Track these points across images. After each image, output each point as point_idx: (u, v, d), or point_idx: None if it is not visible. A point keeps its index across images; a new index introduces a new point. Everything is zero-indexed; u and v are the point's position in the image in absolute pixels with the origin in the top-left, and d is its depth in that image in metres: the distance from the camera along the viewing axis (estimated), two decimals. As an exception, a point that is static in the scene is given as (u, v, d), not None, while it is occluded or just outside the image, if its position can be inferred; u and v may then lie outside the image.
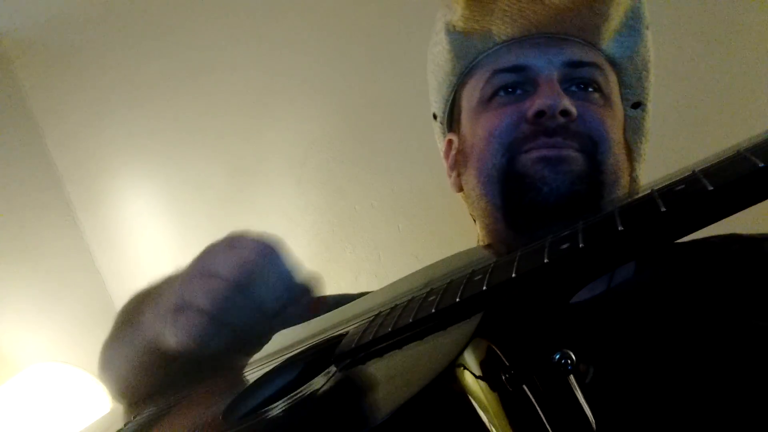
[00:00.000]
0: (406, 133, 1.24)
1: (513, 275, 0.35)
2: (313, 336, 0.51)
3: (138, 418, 0.54)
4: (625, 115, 0.66)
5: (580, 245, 0.34)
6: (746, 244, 0.58)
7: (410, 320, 0.38)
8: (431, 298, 0.39)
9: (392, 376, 0.34)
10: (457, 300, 0.36)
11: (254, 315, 0.45)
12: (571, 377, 0.32)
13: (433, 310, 0.37)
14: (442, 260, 0.53)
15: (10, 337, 1.38)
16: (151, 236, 1.52)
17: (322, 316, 0.58)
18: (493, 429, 0.29)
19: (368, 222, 1.29)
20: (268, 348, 0.55)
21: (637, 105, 0.68)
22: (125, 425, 0.53)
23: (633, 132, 0.68)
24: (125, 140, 1.50)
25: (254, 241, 0.46)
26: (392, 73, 1.24)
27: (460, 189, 0.70)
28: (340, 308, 0.57)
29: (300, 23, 1.30)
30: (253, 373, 0.50)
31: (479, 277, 0.38)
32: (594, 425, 0.32)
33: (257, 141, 1.38)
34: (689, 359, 0.46)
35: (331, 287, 0.69)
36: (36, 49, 1.53)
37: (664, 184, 0.35)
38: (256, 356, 0.54)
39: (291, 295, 0.46)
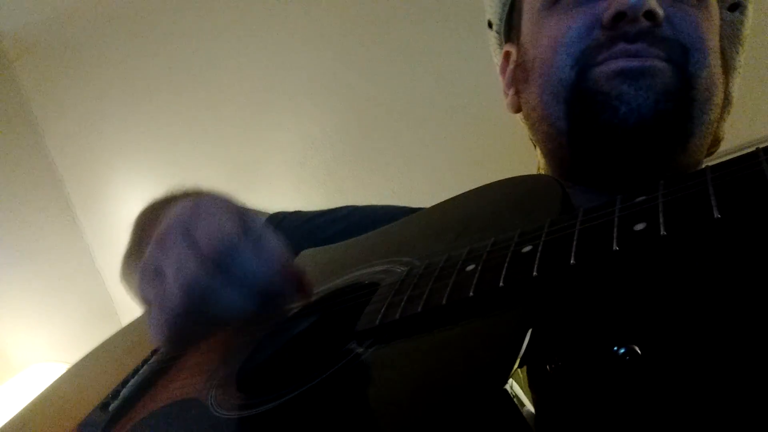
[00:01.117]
0: (406, 133, 1.24)
1: (572, 261, 0.28)
2: (344, 269, 0.46)
3: (157, 354, 0.52)
4: (722, 19, 0.55)
5: (662, 233, 0.26)
6: None
7: (444, 302, 0.32)
8: (470, 268, 0.33)
9: (424, 369, 0.29)
10: (501, 285, 0.30)
11: (214, 328, 0.41)
12: (634, 372, 0.27)
13: (471, 294, 0.30)
14: (486, 187, 0.45)
15: (10, 337, 1.38)
16: (151, 236, 1.52)
17: (358, 238, 0.51)
18: (534, 424, 0.25)
19: (368, 222, 1.29)
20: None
21: (735, 6, 0.56)
22: (150, 357, 0.51)
23: (729, 39, 0.57)
24: (125, 140, 1.50)
25: (210, 238, 0.39)
26: (392, 73, 1.24)
27: (518, 109, 0.60)
28: (374, 233, 0.51)
29: (300, 23, 1.30)
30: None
31: (528, 249, 0.31)
32: (649, 425, 0.27)
33: (257, 141, 1.38)
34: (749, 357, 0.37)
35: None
36: (36, 49, 1.53)
37: None
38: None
39: (259, 298, 0.39)
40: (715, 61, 0.51)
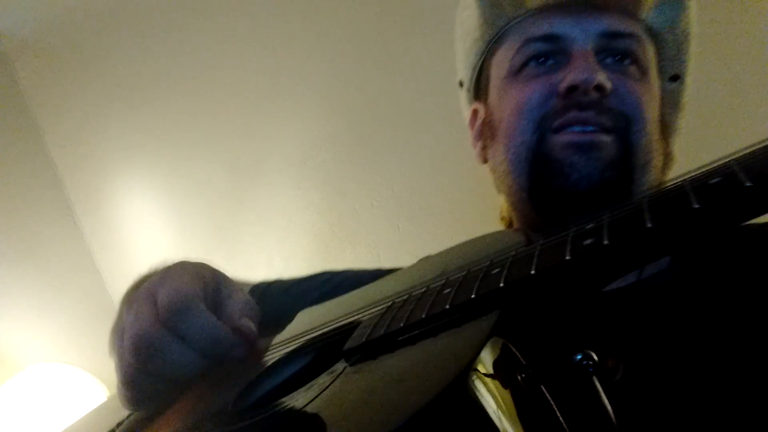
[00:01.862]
0: (406, 133, 1.24)
1: (532, 272, 0.33)
2: (329, 320, 0.50)
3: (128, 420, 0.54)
4: (663, 89, 0.63)
5: (605, 242, 0.32)
6: None
7: (423, 315, 0.36)
8: (446, 291, 0.38)
9: (404, 376, 0.32)
10: (473, 296, 0.34)
11: (170, 386, 0.44)
12: (594, 379, 0.31)
13: (447, 306, 0.35)
14: (461, 244, 0.51)
15: (10, 337, 1.38)
16: (151, 236, 1.52)
17: (340, 297, 0.57)
18: (506, 431, 0.28)
19: (368, 222, 1.29)
20: (291, 327, 0.54)
21: (676, 78, 0.64)
22: (128, 415, 0.53)
23: (670, 106, 0.64)
24: (125, 140, 1.50)
25: (166, 298, 0.43)
26: (392, 73, 1.24)
27: (485, 161, 0.67)
28: (356, 291, 0.56)
29: (300, 23, 1.30)
30: (268, 357, 0.49)
31: (497, 270, 0.36)
32: (616, 427, 0.30)
33: (257, 141, 1.38)
34: (724, 359, 0.43)
35: (331, 287, 0.69)
36: (36, 49, 1.53)
37: (696, 176, 0.33)
38: (279, 336, 0.54)
39: (209, 356, 0.43)
40: (652, 129, 0.58)
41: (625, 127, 0.55)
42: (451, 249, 0.52)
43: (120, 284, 1.54)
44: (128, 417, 0.52)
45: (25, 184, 1.51)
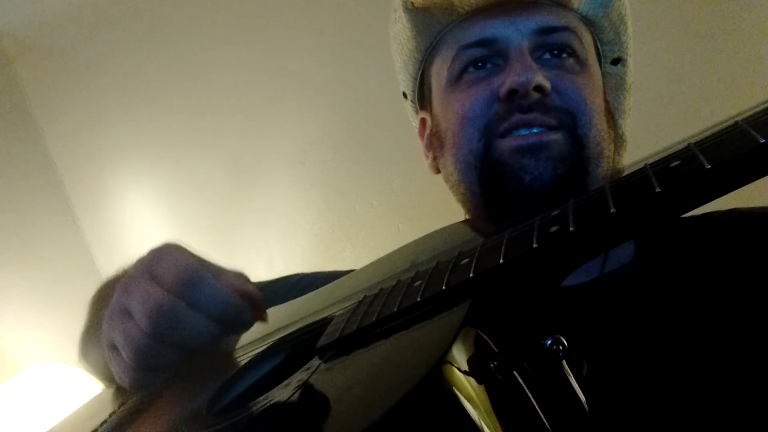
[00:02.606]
0: (406, 133, 1.24)
1: (500, 261, 0.34)
2: (301, 317, 0.50)
3: (122, 408, 0.53)
4: (605, 73, 0.63)
5: (571, 228, 0.32)
6: (748, 219, 0.56)
7: (395, 309, 0.36)
8: (417, 284, 0.38)
9: (378, 371, 0.32)
10: (443, 288, 0.35)
11: (181, 355, 0.44)
12: (564, 363, 0.31)
13: (418, 299, 0.35)
14: (430, 234, 0.51)
15: (10, 337, 1.38)
16: (151, 236, 1.52)
17: (310, 294, 0.57)
18: (481, 420, 0.28)
19: (368, 222, 1.29)
20: (259, 328, 0.55)
21: (618, 60, 0.64)
22: (109, 416, 0.53)
23: (615, 89, 0.65)
24: (125, 140, 1.50)
25: (172, 272, 0.43)
26: (392, 73, 1.23)
27: (438, 171, 0.67)
28: (327, 286, 0.56)
29: (300, 23, 1.30)
30: (240, 357, 0.49)
31: (466, 261, 0.36)
32: (588, 411, 0.31)
33: (257, 141, 1.38)
34: (689, 343, 0.44)
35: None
36: (36, 49, 1.53)
37: (657, 159, 0.33)
38: (245, 337, 0.53)
39: (221, 323, 0.44)
40: (600, 119, 0.58)
41: (571, 122, 0.55)
42: (420, 240, 0.52)
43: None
44: (109, 416, 0.52)
45: (25, 184, 1.51)
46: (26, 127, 1.54)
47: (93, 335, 0.60)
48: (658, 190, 0.30)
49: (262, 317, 0.48)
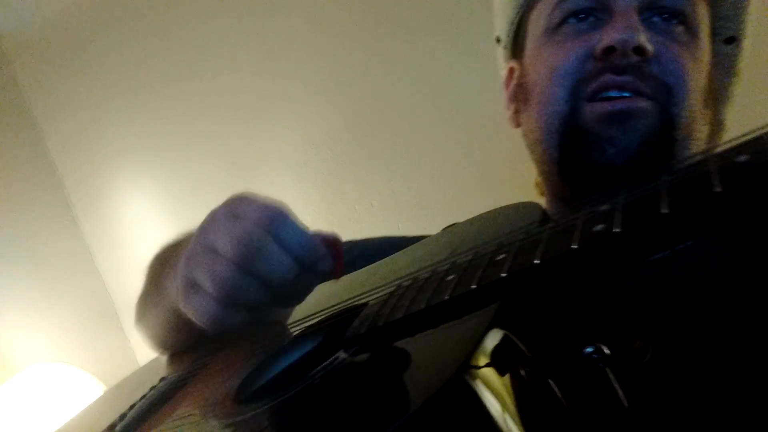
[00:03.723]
0: (406, 133, 1.24)
1: (536, 261, 0.31)
2: (343, 298, 0.49)
3: (165, 380, 0.54)
4: (716, 52, 0.57)
5: (616, 230, 0.29)
6: None
7: (423, 306, 0.34)
8: (449, 278, 0.36)
9: (402, 372, 0.31)
10: (474, 287, 0.32)
11: (263, 291, 0.43)
12: (608, 372, 0.29)
13: (447, 297, 0.33)
14: (484, 215, 0.49)
15: (10, 337, 1.38)
16: (151, 236, 1.52)
17: (356, 272, 0.56)
18: (507, 425, 0.27)
19: (368, 222, 1.29)
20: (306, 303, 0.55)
21: (732, 40, 0.58)
22: (158, 383, 0.53)
23: (723, 71, 0.59)
24: (125, 140, 1.50)
25: (257, 210, 0.44)
26: (392, 73, 1.24)
27: (518, 125, 0.63)
28: (375, 265, 0.55)
29: (300, 23, 1.30)
30: (279, 336, 0.49)
31: (502, 257, 0.34)
32: (632, 422, 0.29)
33: (257, 141, 1.38)
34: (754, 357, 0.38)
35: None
36: (36, 49, 1.53)
37: (724, 150, 0.29)
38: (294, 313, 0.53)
39: (302, 264, 0.43)
40: (696, 99, 0.53)
41: (665, 96, 0.51)
42: (473, 219, 0.50)
43: (120, 284, 1.54)
44: (159, 381, 0.53)
45: (25, 184, 1.51)
46: (26, 127, 1.54)
47: (152, 298, 0.59)
48: (718, 189, 0.26)
49: (340, 271, 0.47)
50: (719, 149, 0.30)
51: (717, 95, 0.58)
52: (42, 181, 1.54)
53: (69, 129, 1.55)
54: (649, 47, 0.50)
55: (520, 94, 0.61)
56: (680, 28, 0.53)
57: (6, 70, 1.53)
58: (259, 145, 1.38)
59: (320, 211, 1.34)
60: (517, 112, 0.63)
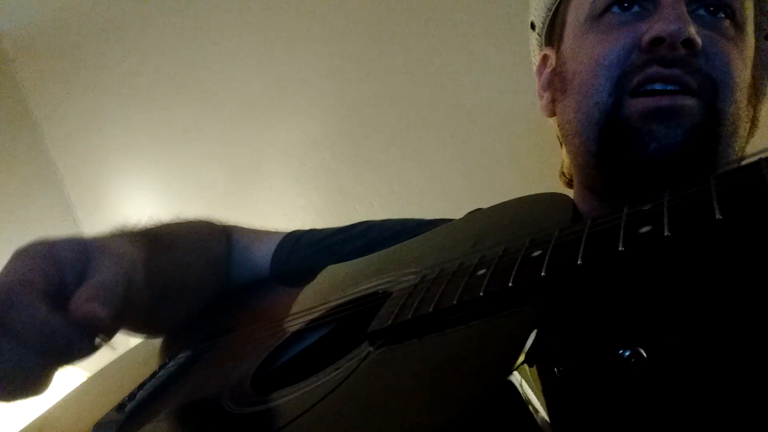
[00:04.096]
0: (406, 133, 1.24)
1: (579, 262, 0.29)
2: (358, 283, 0.48)
3: (175, 359, 0.54)
4: (757, 48, 0.55)
5: (666, 233, 0.27)
6: None
7: (454, 302, 0.33)
8: (480, 273, 0.34)
9: (438, 373, 0.29)
10: (510, 285, 0.31)
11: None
12: (641, 376, 0.28)
13: (481, 294, 0.32)
14: (504, 204, 0.48)
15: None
16: (151, 236, 1.52)
17: (373, 256, 0.54)
18: (540, 420, 0.26)
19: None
20: (314, 286, 0.52)
21: None
22: (164, 365, 0.53)
23: (762, 68, 0.57)
24: (125, 140, 1.50)
25: None
26: (392, 73, 1.24)
27: (552, 114, 0.61)
28: (390, 250, 0.53)
29: (300, 23, 1.30)
30: (295, 321, 0.48)
31: (538, 253, 0.32)
32: (660, 425, 0.28)
33: (257, 141, 1.38)
34: None
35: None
36: (36, 49, 1.53)
37: None
38: (302, 296, 0.51)
39: (42, 351, 0.39)
40: (741, 96, 0.51)
41: (711, 92, 0.49)
42: (499, 207, 0.48)
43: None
44: (159, 369, 0.52)
45: (25, 184, 1.50)
46: (26, 127, 1.54)
47: None
48: None
49: (106, 342, 0.41)
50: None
51: (755, 93, 0.57)
52: (42, 181, 1.54)
53: (69, 129, 1.55)
54: (698, 40, 0.48)
55: (557, 83, 0.59)
56: (727, 22, 0.52)
57: (6, 70, 1.53)
58: (259, 145, 1.38)
59: (320, 211, 1.34)
60: (553, 101, 0.61)
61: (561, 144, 0.63)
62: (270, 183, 1.38)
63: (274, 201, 1.38)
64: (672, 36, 0.47)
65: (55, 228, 1.52)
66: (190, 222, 0.67)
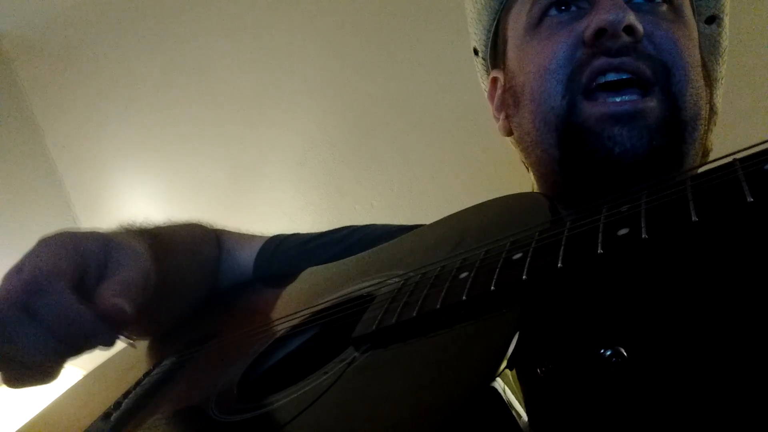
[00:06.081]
0: (406, 133, 1.24)
1: (559, 265, 0.30)
2: (339, 285, 0.48)
3: (160, 366, 0.54)
4: (700, 32, 0.55)
5: (643, 236, 0.28)
6: None
7: (438, 306, 0.33)
8: (463, 276, 0.34)
9: (423, 377, 0.30)
10: (492, 288, 0.31)
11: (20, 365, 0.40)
12: (622, 376, 0.28)
13: (464, 297, 0.32)
14: (484, 204, 0.47)
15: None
16: (151, 236, 1.52)
17: (352, 258, 0.54)
18: (522, 424, 0.26)
19: (368, 222, 1.29)
20: (295, 288, 0.51)
21: (712, 19, 0.56)
22: (149, 372, 0.53)
23: (708, 52, 0.57)
24: (125, 140, 1.50)
25: (21, 275, 0.40)
26: (392, 73, 1.24)
27: (510, 132, 0.60)
28: (371, 251, 0.53)
29: (300, 23, 1.30)
30: (278, 326, 0.48)
31: (518, 256, 0.33)
32: (640, 424, 0.28)
33: (257, 141, 1.38)
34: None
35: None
36: (36, 49, 1.53)
37: (750, 156, 0.28)
38: (282, 299, 0.51)
39: (66, 342, 0.40)
40: (696, 75, 0.51)
41: (665, 77, 0.48)
42: (479, 207, 0.48)
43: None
44: (144, 377, 0.52)
45: (25, 184, 1.51)
46: (26, 127, 1.54)
47: None
48: (750, 199, 0.25)
49: (130, 340, 0.43)
50: (743, 154, 0.29)
51: (706, 78, 0.56)
52: (42, 181, 1.54)
53: (69, 129, 1.55)
54: (639, 26, 0.48)
55: (509, 99, 0.58)
56: (665, 7, 0.52)
57: (6, 70, 1.53)
58: (259, 145, 1.38)
59: (320, 211, 1.34)
60: (507, 118, 0.60)
61: (527, 168, 0.62)
62: (270, 183, 1.38)
63: (274, 201, 1.38)
64: (612, 24, 0.47)
65: (54, 228, 1.52)
66: (184, 224, 0.67)
